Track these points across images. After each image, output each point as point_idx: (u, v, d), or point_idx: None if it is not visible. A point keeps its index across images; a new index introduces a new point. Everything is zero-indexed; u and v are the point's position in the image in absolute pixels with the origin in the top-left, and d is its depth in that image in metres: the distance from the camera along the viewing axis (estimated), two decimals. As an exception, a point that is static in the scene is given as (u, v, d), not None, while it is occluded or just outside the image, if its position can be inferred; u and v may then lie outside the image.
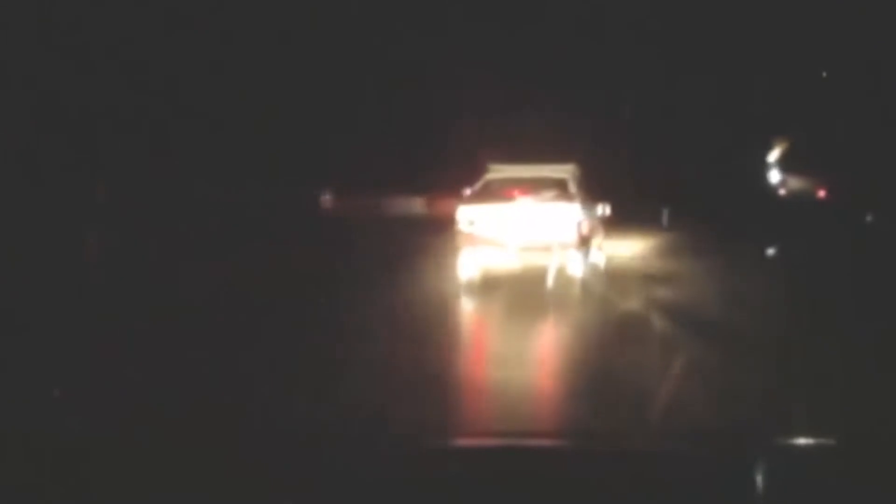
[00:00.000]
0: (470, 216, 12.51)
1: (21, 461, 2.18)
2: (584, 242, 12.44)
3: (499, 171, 13.46)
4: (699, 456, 2.39)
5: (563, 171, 13.34)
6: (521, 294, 11.69)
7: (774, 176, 33.18)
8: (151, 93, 23.94)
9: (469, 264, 12.30)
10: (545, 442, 2.77)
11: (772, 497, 2.11)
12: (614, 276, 13.33)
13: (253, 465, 2.22)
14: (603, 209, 14.49)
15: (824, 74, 32.71)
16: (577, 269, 12.11)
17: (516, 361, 8.15)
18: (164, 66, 24.32)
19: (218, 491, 2.09)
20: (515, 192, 12.74)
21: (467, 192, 13.28)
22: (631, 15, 30.00)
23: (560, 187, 12.82)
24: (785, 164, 32.68)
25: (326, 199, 29.07)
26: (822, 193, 28.88)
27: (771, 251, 17.75)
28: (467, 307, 11.85)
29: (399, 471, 2.23)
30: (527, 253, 12.12)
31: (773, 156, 33.67)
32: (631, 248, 17.15)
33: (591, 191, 13.98)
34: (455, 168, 17.70)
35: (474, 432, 4.61)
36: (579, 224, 12.29)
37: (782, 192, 31.61)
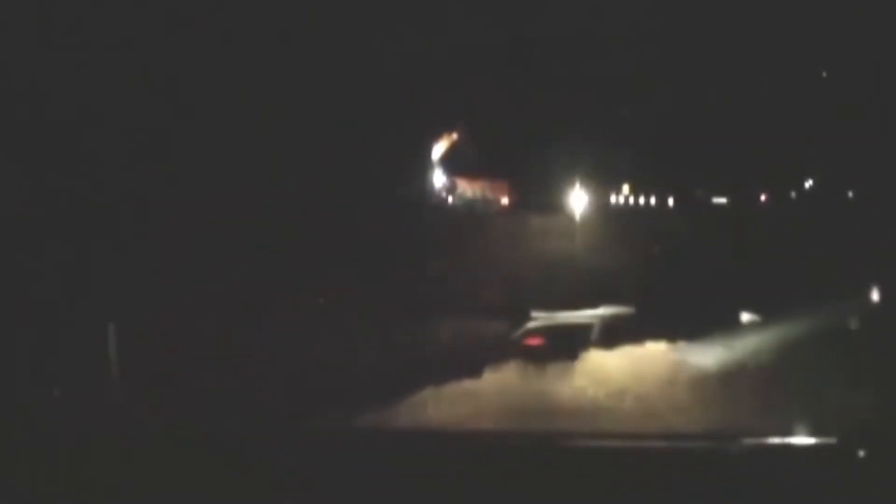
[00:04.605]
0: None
1: (21, 461, 2.17)
2: None
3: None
4: (699, 456, 2.39)
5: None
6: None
7: (438, 178, 25.00)
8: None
9: None
10: (546, 442, 2.76)
11: (772, 497, 2.11)
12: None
13: (253, 465, 2.22)
14: None
15: (824, 74, 31.96)
16: None
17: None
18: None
19: (218, 491, 2.09)
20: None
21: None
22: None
23: None
24: (452, 164, 24.67)
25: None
26: (505, 201, 24.03)
27: None
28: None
29: (399, 470, 2.23)
30: None
31: (438, 152, 25.64)
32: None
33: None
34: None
35: (474, 432, 4.61)
36: None
37: (450, 199, 23.17)
